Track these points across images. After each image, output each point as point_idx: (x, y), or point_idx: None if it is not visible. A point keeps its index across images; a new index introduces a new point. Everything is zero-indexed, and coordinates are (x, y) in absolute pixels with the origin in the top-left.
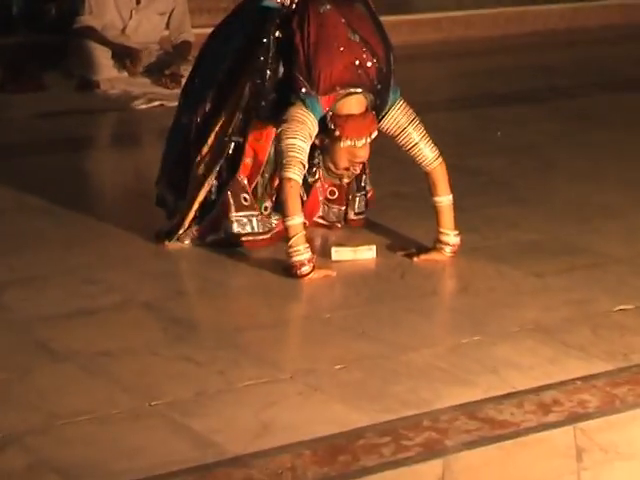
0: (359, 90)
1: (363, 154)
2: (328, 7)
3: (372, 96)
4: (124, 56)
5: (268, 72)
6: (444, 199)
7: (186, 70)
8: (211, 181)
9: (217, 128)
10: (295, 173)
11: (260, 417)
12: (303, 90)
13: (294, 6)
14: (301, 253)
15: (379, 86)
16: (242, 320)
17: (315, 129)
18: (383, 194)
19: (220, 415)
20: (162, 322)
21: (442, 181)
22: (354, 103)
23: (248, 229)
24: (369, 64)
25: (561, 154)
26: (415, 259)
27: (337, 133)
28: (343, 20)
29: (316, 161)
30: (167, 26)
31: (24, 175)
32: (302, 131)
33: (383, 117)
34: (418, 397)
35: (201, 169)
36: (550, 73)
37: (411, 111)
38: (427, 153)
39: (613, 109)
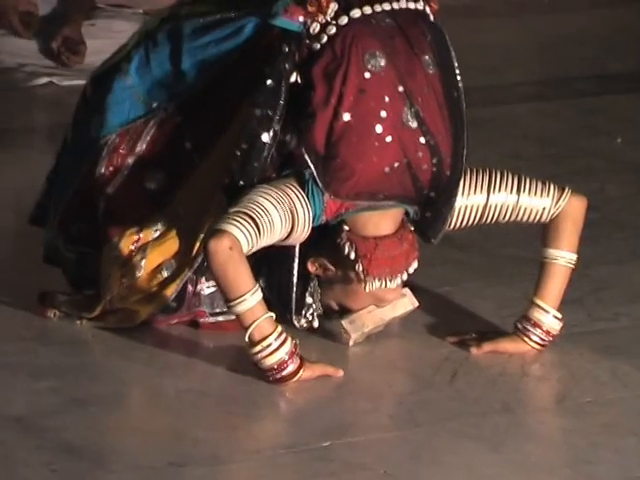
0: (396, 204)
1: (394, 297)
2: (382, 63)
3: (417, 208)
4: None
5: (265, 136)
6: (562, 255)
7: (93, 28)
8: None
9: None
10: (238, 230)
11: None
12: (308, 172)
13: (325, 38)
14: (275, 349)
15: (432, 194)
16: (184, 450)
17: (303, 228)
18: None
19: None
20: (47, 453)
21: (568, 228)
22: (384, 217)
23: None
24: (424, 167)
25: None
26: (475, 350)
27: (359, 268)
28: (400, 88)
29: (311, 301)
30: None
31: None
32: (280, 206)
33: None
34: None
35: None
36: None
37: (481, 176)
38: (533, 206)
39: None
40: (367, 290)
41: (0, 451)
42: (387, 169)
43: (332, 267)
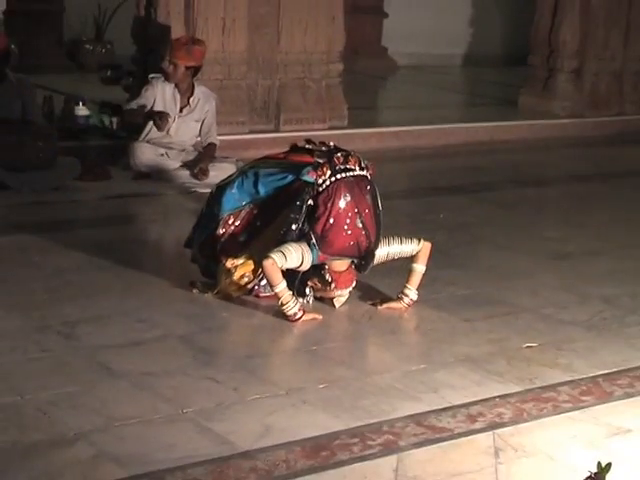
0: (350, 258)
1: (346, 294)
2: (349, 198)
3: (357, 260)
4: (155, 116)
5: (294, 226)
6: (420, 266)
7: (213, 166)
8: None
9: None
10: (277, 256)
11: (263, 422)
12: (312, 242)
13: (324, 185)
14: (292, 307)
15: (364, 254)
16: (251, 350)
17: (307, 263)
18: None
19: (234, 420)
20: (192, 351)
21: (423, 255)
22: (344, 263)
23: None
24: (363, 243)
25: (485, 231)
26: (379, 307)
27: (333, 285)
28: (356, 210)
29: (309, 292)
30: (199, 132)
31: (93, 241)
32: (297, 250)
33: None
34: (379, 409)
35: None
36: (478, 172)
37: (385, 240)
38: (407, 249)
39: (522, 198)
40: (335, 294)
41: (171, 351)
42: (347, 244)
43: (318, 284)
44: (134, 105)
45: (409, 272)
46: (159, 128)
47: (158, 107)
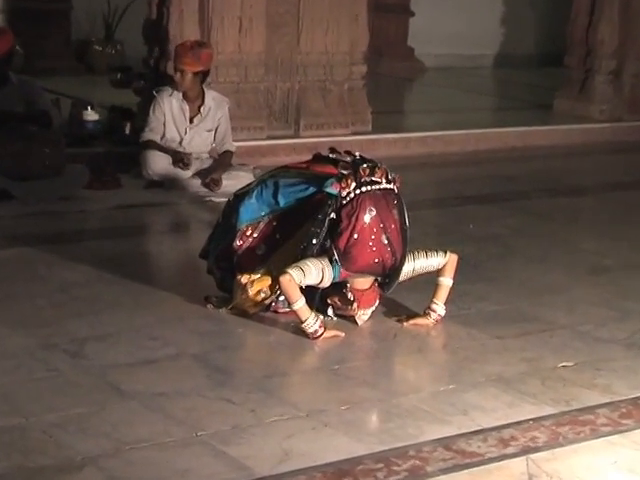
0: (373, 275)
1: (369, 313)
2: (374, 212)
3: (381, 278)
4: (178, 159)
5: (314, 241)
6: (446, 280)
7: (228, 175)
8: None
9: (273, 262)
10: (295, 273)
11: (282, 446)
12: (334, 257)
13: (348, 198)
14: (312, 325)
15: (389, 272)
16: (269, 369)
17: (327, 280)
18: None
19: (251, 444)
20: (207, 370)
21: (450, 268)
22: (367, 281)
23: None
24: (389, 261)
25: (518, 243)
26: (405, 324)
27: (355, 305)
28: (381, 225)
29: (331, 312)
30: (214, 140)
31: (102, 254)
32: (316, 266)
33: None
34: (405, 432)
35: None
36: (510, 180)
37: (410, 255)
38: (434, 263)
39: (557, 208)
40: (357, 314)
41: (184, 370)
42: (372, 261)
43: (339, 303)
44: (148, 133)
45: (436, 286)
46: (183, 170)
47: (168, 124)
